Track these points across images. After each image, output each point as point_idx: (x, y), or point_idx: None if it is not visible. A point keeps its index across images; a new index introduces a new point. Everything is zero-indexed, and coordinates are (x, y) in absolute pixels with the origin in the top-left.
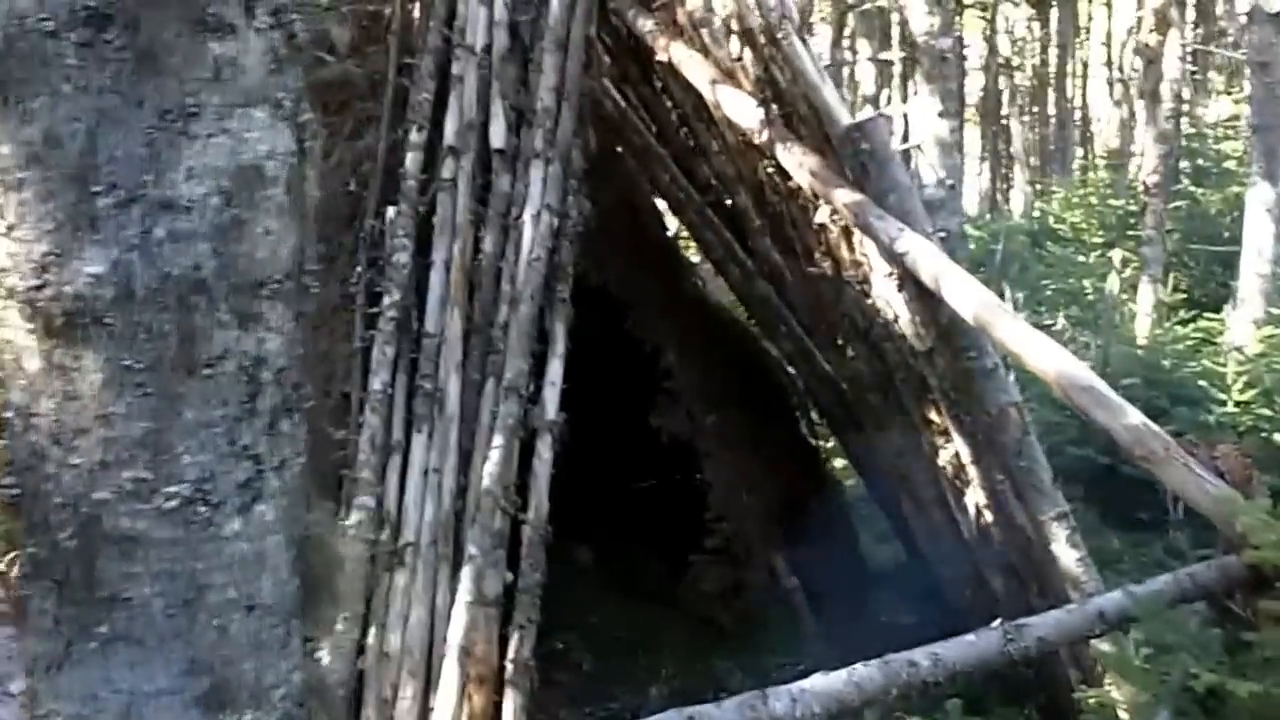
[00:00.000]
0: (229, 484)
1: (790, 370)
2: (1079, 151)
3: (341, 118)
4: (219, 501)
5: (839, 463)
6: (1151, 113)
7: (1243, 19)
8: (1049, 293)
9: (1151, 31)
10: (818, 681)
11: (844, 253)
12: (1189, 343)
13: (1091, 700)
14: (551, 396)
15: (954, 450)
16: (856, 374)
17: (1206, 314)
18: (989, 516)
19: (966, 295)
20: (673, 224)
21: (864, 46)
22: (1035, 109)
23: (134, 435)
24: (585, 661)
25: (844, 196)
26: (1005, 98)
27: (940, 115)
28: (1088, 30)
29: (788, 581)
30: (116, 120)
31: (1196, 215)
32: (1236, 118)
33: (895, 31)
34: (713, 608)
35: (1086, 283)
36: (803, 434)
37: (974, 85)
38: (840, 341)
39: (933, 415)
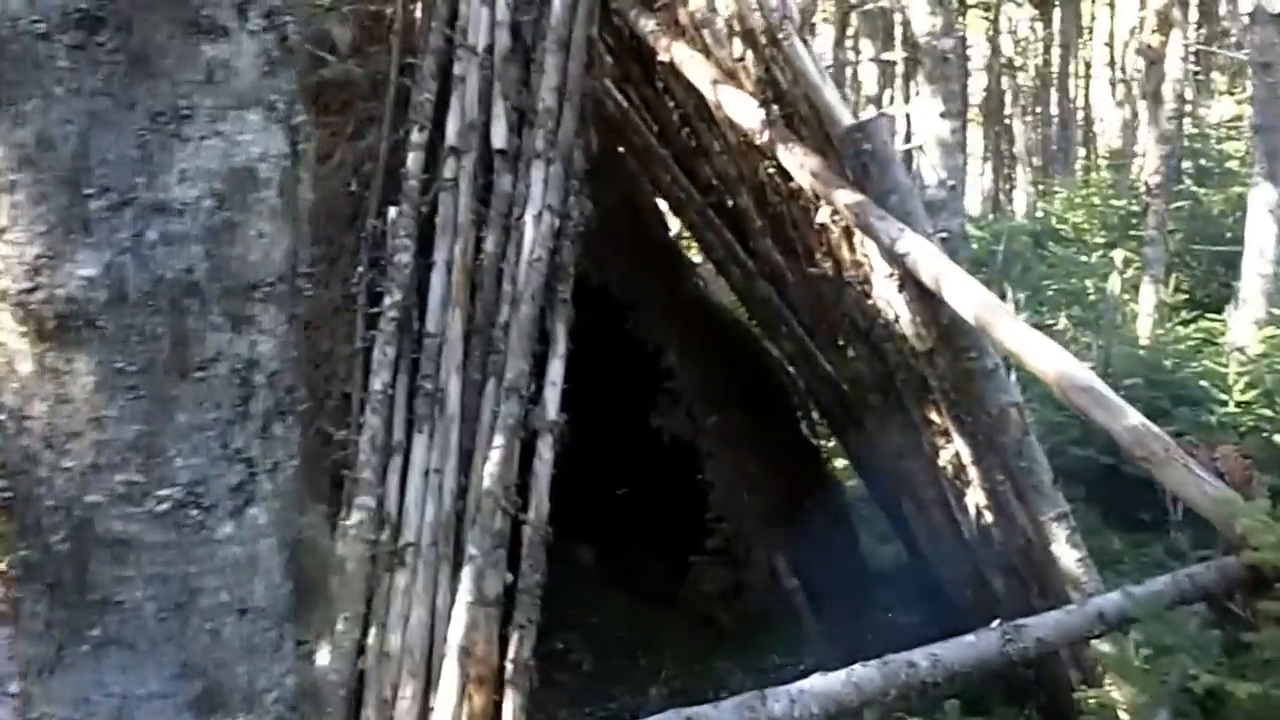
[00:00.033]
0: (221, 487)
1: (791, 371)
2: (1081, 152)
3: (343, 118)
4: (211, 505)
5: (840, 463)
6: (1154, 113)
7: (1245, 19)
8: (1051, 293)
9: (1154, 32)
10: (816, 682)
11: (845, 253)
12: (1190, 343)
13: (1091, 701)
14: (552, 397)
15: (954, 450)
16: (857, 374)
17: (1208, 314)
18: (989, 517)
19: (967, 296)
20: (674, 224)
21: (867, 47)
22: (1038, 109)
23: (126, 438)
24: (586, 661)
25: (845, 197)
26: (1008, 98)
27: (942, 116)
28: (1090, 30)
29: (788, 582)
30: (109, 123)
31: (1199, 216)
32: (1239, 118)
33: (898, 32)
34: (713, 608)
35: (1088, 283)
36: (804, 434)
37: (977, 85)
38: (841, 342)
39: (933, 415)
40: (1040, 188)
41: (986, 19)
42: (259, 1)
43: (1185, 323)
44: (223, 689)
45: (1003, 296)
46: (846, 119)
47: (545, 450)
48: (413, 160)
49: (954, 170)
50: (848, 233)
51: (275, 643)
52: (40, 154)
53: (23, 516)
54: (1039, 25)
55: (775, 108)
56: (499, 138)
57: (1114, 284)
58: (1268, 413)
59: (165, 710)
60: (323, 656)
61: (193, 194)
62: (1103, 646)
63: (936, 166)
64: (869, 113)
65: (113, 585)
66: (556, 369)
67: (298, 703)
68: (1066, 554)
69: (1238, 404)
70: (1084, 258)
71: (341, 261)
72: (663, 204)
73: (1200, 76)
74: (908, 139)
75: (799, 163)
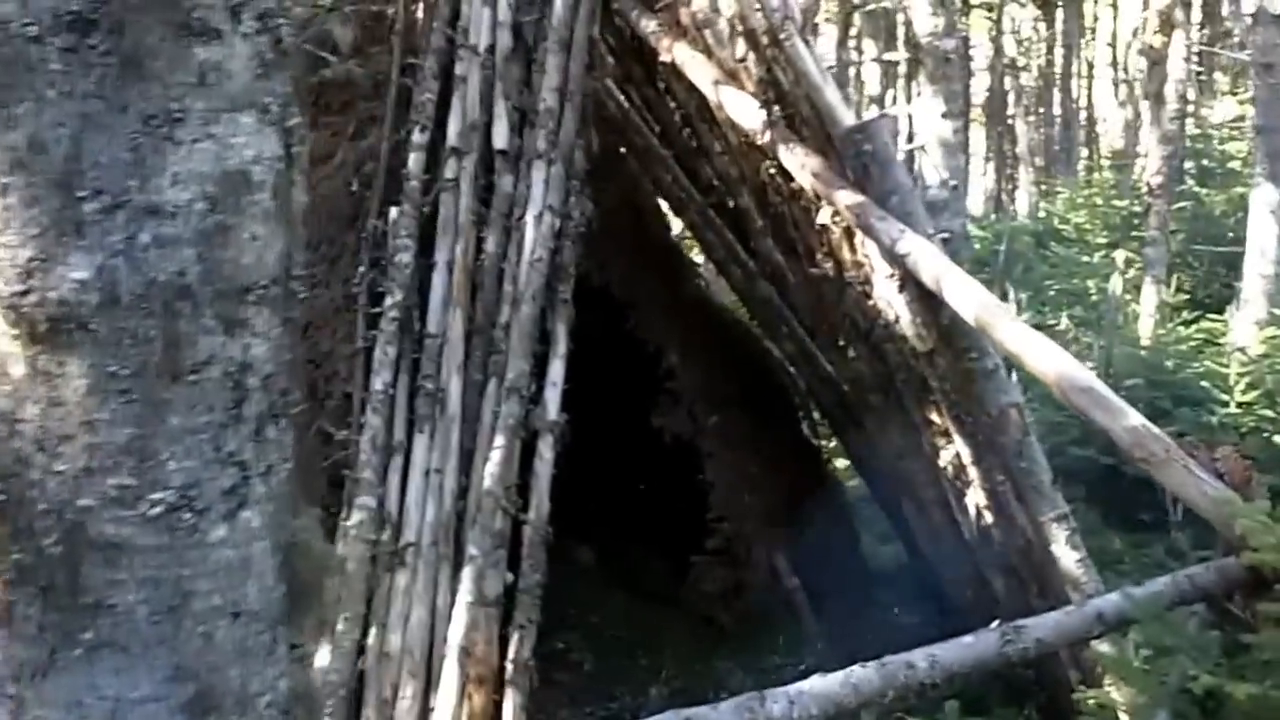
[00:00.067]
0: (214, 490)
1: (792, 371)
2: (1084, 152)
3: (345, 118)
4: (204, 508)
5: (840, 463)
6: (1156, 114)
7: (1248, 20)
8: (1053, 293)
9: (1156, 33)
10: (815, 683)
11: (846, 254)
12: (1192, 344)
13: (1091, 701)
14: (553, 397)
15: (955, 451)
16: (858, 375)
17: (1210, 315)
18: (989, 517)
19: (967, 297)
20: (676, 225)
21: (869, 47)
22: (1041, 109)
23: (118, 442)
24: (586, 661)
25: (846, 198)
26: (1011, 98)
27: (944, 116)
28: (1093, 31)
29: (789, 582)
30: (101, 126)
31: (1201, 216)
32: (1242, 118)
33: (901, 32)
34: (714, 608)
35: (1090, 283)
36: (804, 434)
37: (980, 85)
38: (842, 342)
39: (933, 416)
40: (1043, 188)
41: (990, 19)
42: (252, 4)
43: (1187, 323)
44: (215, 692)
45: (1005, 297)
46: (848, 120)
47: (546, 450)
48: (414, 160)
49: (956, 170)
50: (849, 233)
51: (268, 646)
52: (32, 157)
53: (15, 520)
54: (1042, 25)
55: (776, 108)
56: (500, 138)
57: (1116, 284)
58: (1269, 413)
59: (158, 714)
60: (323, 657)
61: (185, 197)
62: (1102, 647)
63: (938, 167)
64: (871, 113)
65: (105, 588)
66: (557, 369)
67: (291, 706)
68: (1066, 555)
69: (1239, 405)
70: (1086, 258)
71: (342, 261)
72: (664, 204)
73: (1203, 77)
74: (910, 139)
75: (800, 163)
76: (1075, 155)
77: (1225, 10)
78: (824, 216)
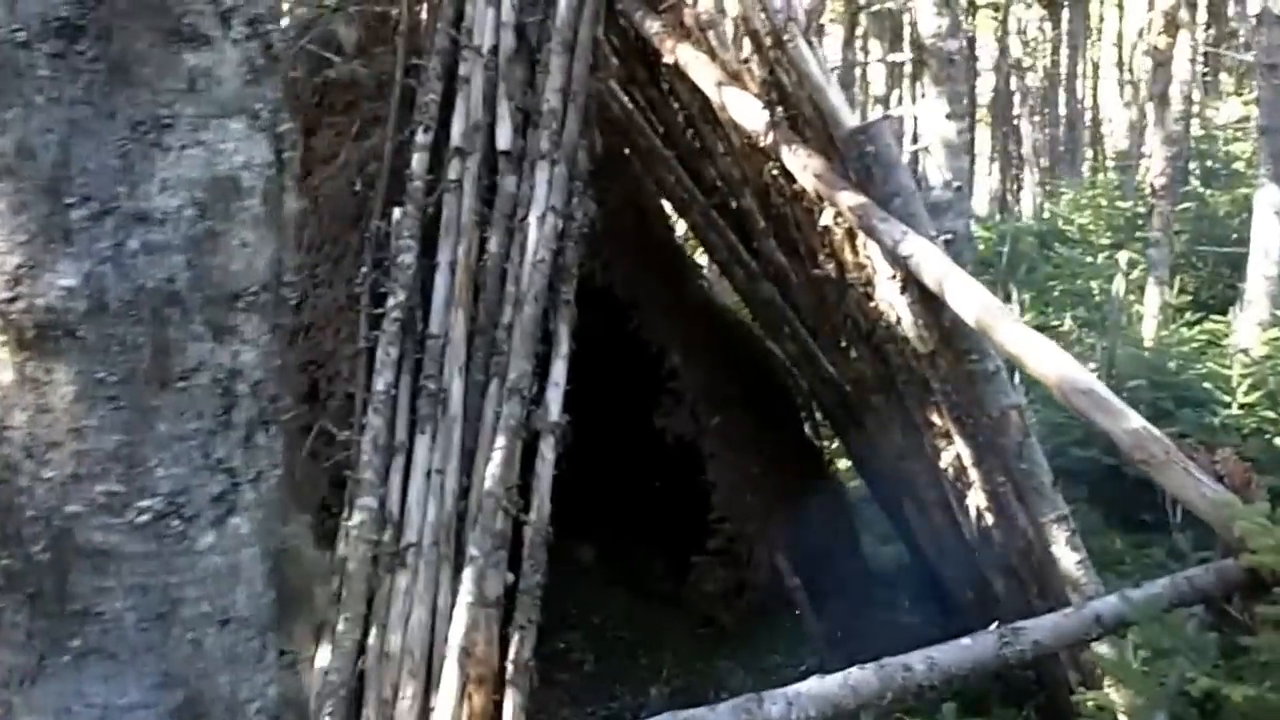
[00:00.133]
0: (203, 497)
1: (794, 372)
2: (1089, 153)
3: (348, 118)
4: (193, 515)
5: (842, 464)
6: (1160, 115)
7: (1253, 21)
8: (1056, 294)
9: (1161, 33)
10: (813, 685)
11: (848, 255)
12: (1195, 345)
13: (1090, 703)
14: (555, 398)
15: (956, 452)
16: (860, 376)
17: (1213, 316)
18: (990, 518)
19: (969, 298)
20: (679, 226)
21: (875, 47)
22: (1046, 110)
23: (107, 448)
24: (587, 661)
25: (848, 199)
26: (1016, 98)
27: (948, 117)
28: (1099, 31)
29: (790, 582)
30: (89, 131)
31: (1205, 217)
32: (1246, 119)
33: (906, 33)
34: (715, 608)
35: (1094, 284)
36: (806, 435)
37: (985, 86)
38: (844, 343)
39: (935, 417)
40: (1047, 188)
41: (995, 19)
42: (243, 9)
43: (1190, 324)
44: (204, 699)
45: (1008, 297)
46: (850, 121)
47: (547, 451)
48: (417, 161)
49: (959, 171)
50: (851, 235)
51: (258, 652)
52: (20, 163)
53: (3, 526)
54: (1048, 26)
55: (780, 110)
56: (503, 139)
57: (1119, 285)
58: (1271, 414)
59: None
60: (323, 657)
61: (174, 203)
62: (1101, 648)
63: (942, 167)
64: (876, 114)
65: (93, 595)
66: (559, 370)
67: (281, 713)
68: (1066, 556)
69: (1241, 406)
70: (1089, 259)
71: (345, 261)
72: (667, 205)
73: (1208, 77)
74: (915, 140)
75: (803, 165)
76: (1080, 156)
77: (1231, 11)
78: (826, 218)
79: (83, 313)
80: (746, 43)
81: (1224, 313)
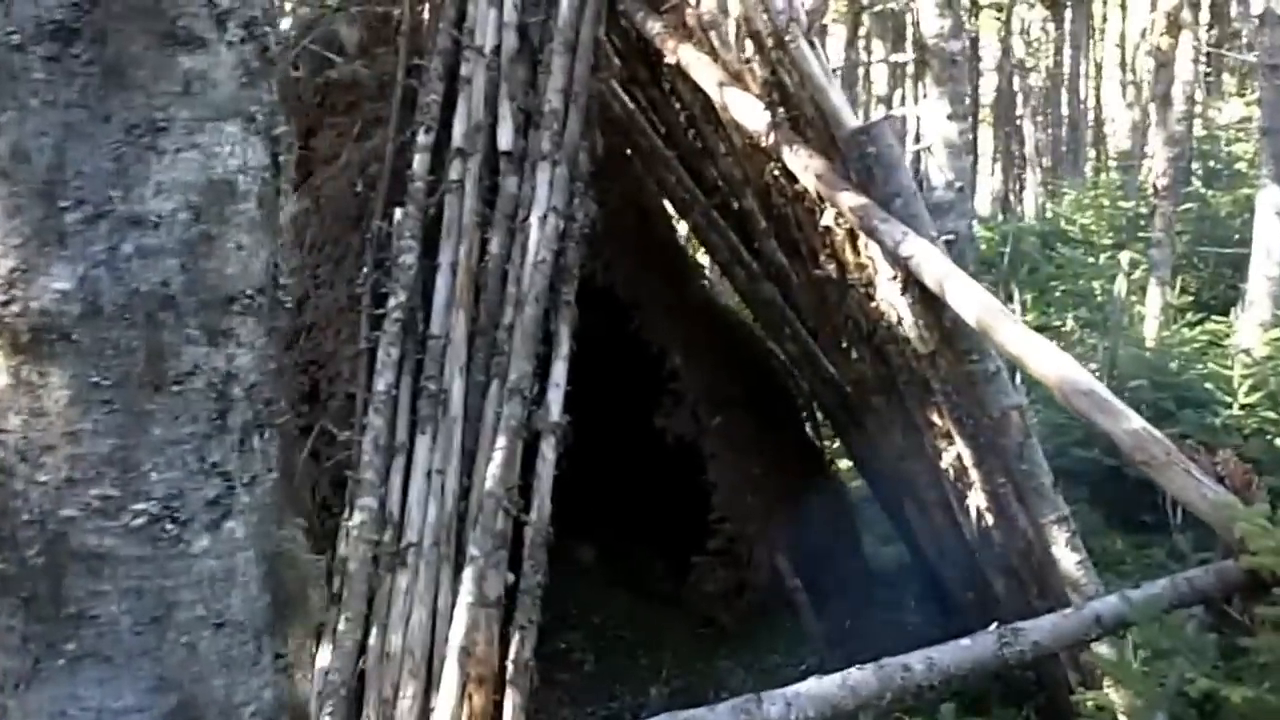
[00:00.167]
0: (198, 501)
1: (795, 372)
2: (1091, 153)
3: (350, 118)
4: (187, 519)
5: (843, 464)
6: (1162, 115)
7: (1256, 21)
8: (1058, 294)
9: (1163, 34)
10: (812, 685)
11: (849, 256)
12: (1196, 345)
13: (1089, 703)
14: (555, 398)
15: (956, 453)
16: (860, 376)
17: (1215, 317)
18: (990, 519)
19: (969, 299)
20: (680, 226)
21: (878, 47)
22: (1049, 110)
23: (101, 452)
24: (587, 661)
25: (849, 200)
26: (1019, 99)
27: (950, 118)
28: (1102, 32)
29: (790, 582)
30: (84, 135)
31: (1207, 217)
32: (1249, 120)
33: (909, 33)
34: (715, 608)
35: (1095, 284)
36: (807, 435)
37: (988, 86)
38: (844, 344)
39: (935, 418)
40: (1050, 189)
41: (999, 19)
42: (238, 12)
43: (1191, 325)
44: (199, 703)
45: (1010, 297)
46: (852, 122)
47: (548, 451)
48: (418, 161)
49: (961, 172)
50: (852, 235)
51: (253, 656)
52: (15, 166)
53: None
54: (1050, 26)
55: (781, 110)
56: (505, 139)
57: (1120, 286)
58: (1272, 415)
59: None
60: (323, 657)
61: (169, 207)
62: (1101, 649)
63: (944, 168)
64: (879, 113)
65: (88, 599)
66: (560, 370)
67: (276, 716)
68: (1066, 556)
69: (1242, 406)
70: (1091, 259)
71: (347, 262)
72: (668, 206)
73: (1211, 78)
74: (917, 140)
75: (804, 165)
76: (1083, 156)
77: (1233, 12)
78: (828, 218)
79: (77, 316)
80: (748, 43)
81: (1225, 313)
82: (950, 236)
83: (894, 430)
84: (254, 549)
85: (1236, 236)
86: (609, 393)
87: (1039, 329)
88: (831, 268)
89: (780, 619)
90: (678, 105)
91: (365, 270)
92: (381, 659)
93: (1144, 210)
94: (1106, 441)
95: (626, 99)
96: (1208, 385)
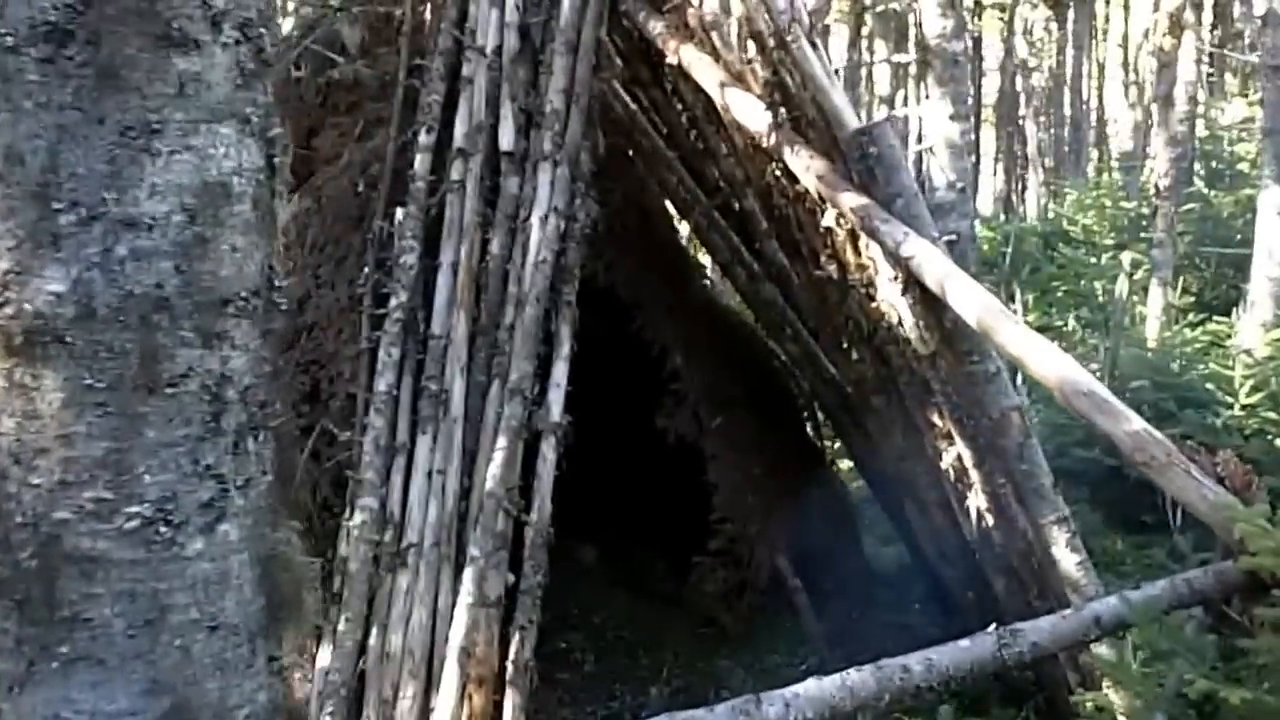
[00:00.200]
0: (191, 504)
1: (795, 373)
2: (1094, 153)
3: (351, 118)
4: (181, 521)
5: (843, 465)
6: (1164, 116)
7: (1259, 22)
8: (1060, 295)
9: (1166, 34)
10: (811, 686)
11: (850, 256)
12: (1198, 346)
13: (1089, 704)
14: (556, 398)
15: (956, 453)
16: (861, 377)
17: (1216, 317)
18: (990, 519)
19: (970, 300)
20: (682, 227)
21: (880, 48)
22: (1051, 110)
23: (95, 455)
24: (587, 661)
25: (850, 200)
26: (1022, 99)
27: (952, 118)
28: (1105, 32)
29: (791, 582)
30: (78, 137)
31: (1209, 218)
32: (1251, 120)
33: (912, 33)
34: (716, 608)
35: (1097, 285)
36: (808, 436)
37: (991, 86)
38: (845, 344)
39: (936, 419)
40: (1052, 189)
41: (1001, 20)
42: (233, 13)
43: (1193, 325)
44: (192, 705)
45: (1012, 298)
46: (853, 122)
47: (549, 451)
48: (420, 161)
49: (963, 172)
50: (853, 236)
51: (247, 659)
52: (9, 168)
53: None
54: (1053, 26)
55: (783, 111)
56: (506, 139)
57: (1122, 286)
58: (1273, 416)
59: None
60: (323, 657)
61: (163, 209)
62: (1100, 650)
63: (946, 168)
64: (881, 114)
65: (82, 602)
66: (561, 370)
67: (270, 719)
68: (1066, 557)
69: (1243, 407)
70: (1093, 260)
71: (348, 262)
72: (670, 206)
73: (1214, 78)
74: (920, 140)
75: (805, 165)
76: (1085, 156)
77: (1236, 12)
78: (829, 219)
79: (71, 318)
80: (750, 43)
81: (1227, 314)
82: (952, 237)
83: (894, 431)
84: (248, 552)
85: (1238, 237)
86: (610, 393)
87: (1041, 329)
88: (832, 268)
89: (781, 619)
90: (679, 106)
91: (366, 270)
92: (382, 659)
93: (1146, 211)
94: (1107, 442)
95: (628, 99)
96: (1209, 386)
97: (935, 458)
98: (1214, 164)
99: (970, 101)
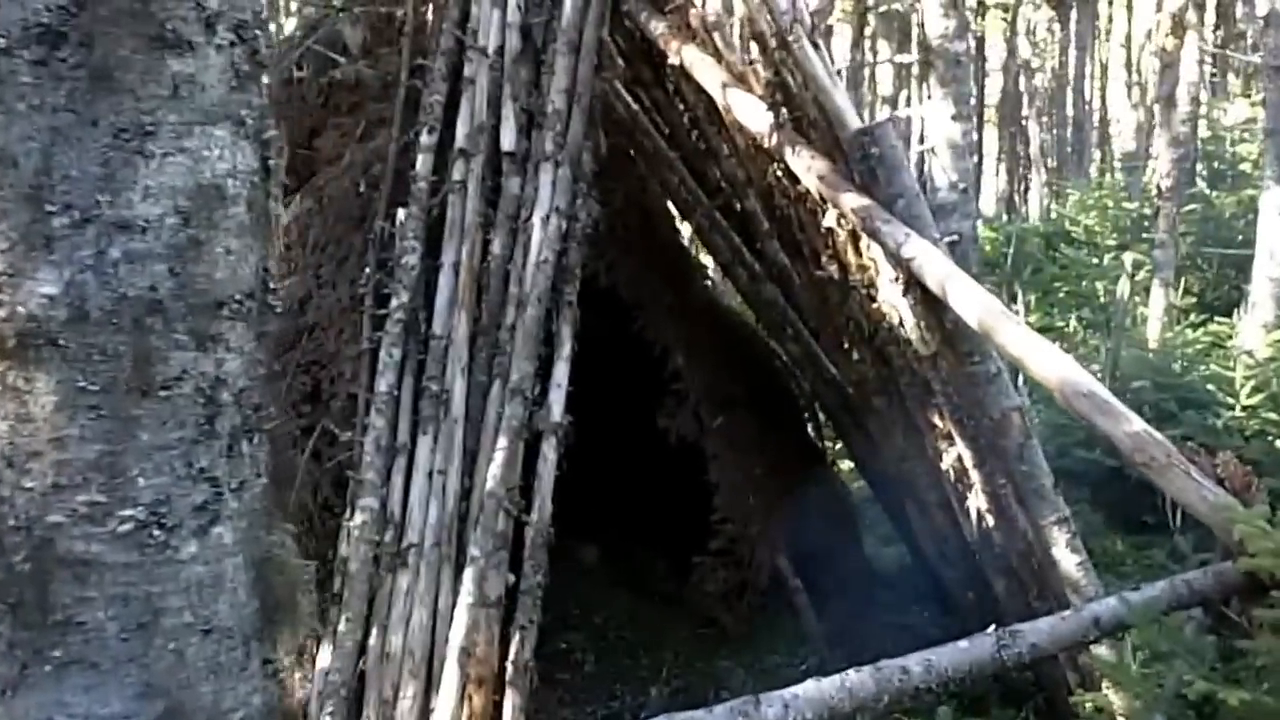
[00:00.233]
0: (185, 506)
1: (796, 373)
2: (1096, 154)
3: (353, 119)
4: (175, 524)
5: (844, 465)
6: (1167, 116)
7: (1261, 22)
8: (1061, 295)
9: (1168, 35)
10: (810, 687)
11: (851, 257)
12: (1199, 347)
13: (1088, 705)
14: (557, 399)
15: (957, 454)
16: (862, 377)
17: (1218, 318)
18: (991, 520)
19: (971, 301)
20: (684, 227)
21: (883, 48)
22: (1053, 111)
23: (88, 458)
24: (588, 661)
25: (852, 201)
26: (1024, 99)
27: (954, 119)
28: (1107, 32)
29: (792, 583)
30: (71, 139)
31: (1211, 219)
32: (1254, 120)
33: (915, 33)
34: (716, 608)
35: (1099, 285)
36: (809, 436)
37: (994, 86)
38: (846, 345)
39: (936, 419)
40: (1054, 189)
41: (1004, 20)
42: (227, 15)
43: (1194, 326)
44: (186, 709)
45: (1014, 298)
46: (855, 123)
47: (549, 451)
48: (421, 162)
49: (965, 173)
50: (854, 236)
51: (241, 662)
52: (2, 171)
53: None
54: (1056, 27)
55: (784, 111)
56: (508, 140)
57: (1124, 287)
58: (1273, 417)
59: None
60: (323, 657)
61: (157, 211)
62: (1099, 651)
63: (948, 169)
64: (884, 114)
65: (75, 605)
66: (561, 371)
67: None
68: (1066, 558)
69: (1244, 408)
70: (1095, 260)
71: (349, 262)
72: (671, 206)
73: (1216, 79)
74: (922, 140)
75: (807, 166)
76: (1087, 157)
77: (1239, 13)
78: (830, 219)
79: (64, 321)
80: (752, 44)
81: (1229, 315)
82: (954, 237)
83: (895, 431)
84: (242, 554)
85: (1240, 238)
86: (611, 393)
87: (1042, 330)
88: (834, 269)
89: (781, 619)
90: (681, 106)
91: (368, 270)
92: (382, 659)
93: (1148, 211)
94: (1107, 443)
95: (630, 100)
96: (1210, 387)
97: (936, 458)
98: (1216, 165)
99: (973, 102)
